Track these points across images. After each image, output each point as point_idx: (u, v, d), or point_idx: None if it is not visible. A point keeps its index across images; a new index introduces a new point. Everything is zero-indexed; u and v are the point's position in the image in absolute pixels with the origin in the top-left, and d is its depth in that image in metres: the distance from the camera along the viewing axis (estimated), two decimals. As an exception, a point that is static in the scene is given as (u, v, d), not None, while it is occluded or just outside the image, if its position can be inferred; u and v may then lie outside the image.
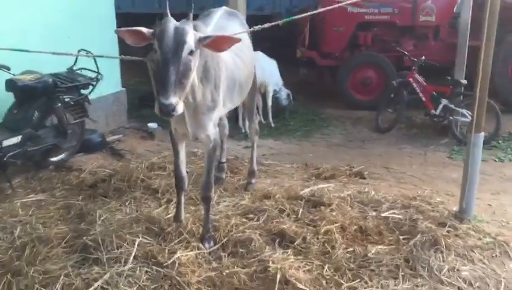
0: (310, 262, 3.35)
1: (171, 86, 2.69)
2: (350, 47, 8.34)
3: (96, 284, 3.04)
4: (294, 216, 3.98)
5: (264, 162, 5.71)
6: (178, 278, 3.10)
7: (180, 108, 2.76)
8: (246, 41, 3.98)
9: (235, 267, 3.25)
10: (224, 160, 4.88)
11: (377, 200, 4.35)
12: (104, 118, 6.41)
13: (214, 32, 3.54)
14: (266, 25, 3.47)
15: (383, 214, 4.05)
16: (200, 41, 2.86)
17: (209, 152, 3.51)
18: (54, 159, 5.11)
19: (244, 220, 3.89)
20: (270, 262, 3.20)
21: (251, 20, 8.97)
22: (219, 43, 2.93)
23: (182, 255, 3.32)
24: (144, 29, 2.87)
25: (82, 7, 5.83)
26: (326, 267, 3.30)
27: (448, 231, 3.79)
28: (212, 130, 3.41)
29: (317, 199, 4.25)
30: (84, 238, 3.48)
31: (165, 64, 2.72)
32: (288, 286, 3.07)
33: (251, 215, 3.99)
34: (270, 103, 7.37)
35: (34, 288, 3.04)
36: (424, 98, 6.89)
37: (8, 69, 4.30)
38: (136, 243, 3.37)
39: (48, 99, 4.76)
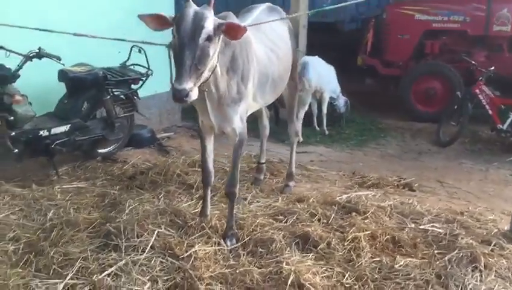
0: (330, 268, 3.17)
1: (186, 71, 2.64)
2: (415, 56, 7.97)
3: (110, 270, 3.05)
4: (325, 221, 3.80)
5: (310, 167, 5.57)
6: (191, 272, 3.03)
7: (194, 94, 2.70)
8: (284, 37, 3.88)
9: (251, 266, 3.14)
10: (263, 161, 4.79)
11: (418, 212, 4.07)
12: (157, 115, 6.54)
13: (250, 27, 3.51)
14: (293, 15, 3.34)
15: (422, 227, 3.77)
16: (219, 27, 2.80)
17: (235, 147, 3.43)
18: (101, 150, 5.25)
19: (271, 221, 3.77)
20: (285, 263, 3.06)
21: (314, 27, 8.97)
22: (232, 30, 2.85)
23: (200, 250, 3.25)
24: (165, 14, 2.86)
25: (143, 5, 5.99)
26: (347, 275, 3.10)
27: (492, 250, 3.45)
28: (238, 124, 3.33)
29: (353, 205, 4.04)
30: (108, 225, 3.51)
31: (182, 49, 2.68)
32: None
33: (280, 217, 3.86)
34: (325, 110, 7.19)
35: (51, 268, 3.10)
36: (490, 112, 6.43)
37: (59, 59, 4.47)
38: (155, 234, 3.35)
39: (98, 91, 4.91)
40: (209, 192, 3.76)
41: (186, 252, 3.22)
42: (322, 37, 9.15)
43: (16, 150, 4.34)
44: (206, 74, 2.86)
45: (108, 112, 5.05)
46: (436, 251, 3.40)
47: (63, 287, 2.92)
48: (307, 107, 6.83)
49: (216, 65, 2.98)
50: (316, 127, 7.32)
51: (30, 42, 4.38)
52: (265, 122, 4.67)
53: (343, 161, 6.16)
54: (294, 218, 3.80)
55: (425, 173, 5.65)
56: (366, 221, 3.73)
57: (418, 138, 7.11)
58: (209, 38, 2.74)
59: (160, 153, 5.62)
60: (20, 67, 4.28)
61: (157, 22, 2.88)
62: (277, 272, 3.04)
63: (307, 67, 6.58)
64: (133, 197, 4.15)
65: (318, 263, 3.23)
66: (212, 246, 3.37)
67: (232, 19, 3.20)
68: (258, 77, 3.46)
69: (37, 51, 4.34)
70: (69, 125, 4.73)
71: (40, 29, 3.62)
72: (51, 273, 3.07)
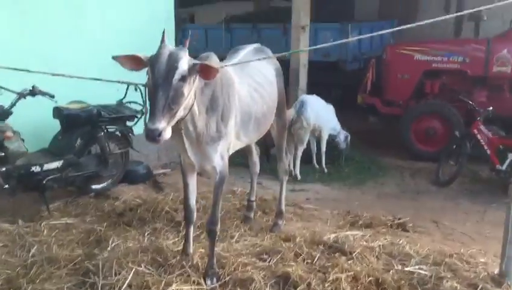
0: (307, 311, 3.10)
1: (159, 111, 2.68)
2: (416, 95, 7.99)
3: (86, 310, 3.03)
4: (309, 261, 3.74)
5: (303, 206, 5.54)
6: (165, 312, 3.00)
7: (167, 134, 2.73)
8: (269, 77, 3.92)
9: (227, 307, 3.09)
10: (253, 198, 4.77)
11: (407, 254, 3.98)
12: (155, 151, 6.57)
13: (234, 67, 3.57)
14: (272, 55, 3.41)
15: (408, 269, 3.68)
16: (194, 67, 2.84)
17: (215, 185, 3.43)
18: (95, 186, 5.28)
19: (254, 260, 3.72)
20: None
21: (317, 66, 9.08)
22: (205, 71, 2.89)
23: (177, 289, 3.21)
24: (140, 55, 2.91)
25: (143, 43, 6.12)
26: (325, 319, 3.03)
27: (478, 294, 3.36)
28: (218, 162, 3.34)
29: (339, 245, 3.98)
30: (87, 262, 3.49)
31: (155, 89, 2.72)
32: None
33: (265, 256, 3.80)
34: (323, 148, 7.18)
35: (27, 306, 3.09)
36: (489, 152, 6.36)
37: (52, 97, 4.57)
38: (132, 272, 3.32)
39: (92, 128, 4.98)
40: (191, 230, 3.74)
41: (163, 291, 3.19)
42: (325, 76, 9.25)
43: (6, 186, 4.39)
44: (181, 112, 2.88)
45: (102, 148, 5.10)
46: (420, 294, 3.32)
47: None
48: (305, 145, 6.84)
49: (193, 104, 3.01)
50: (315, 164, 7.30)
51: (27, 80, 4.48)
52: (255, 159, 4.68)
53: (339, 199, 6.12)
54: (278, 257, 3.74)
55: (421, 213, 5.58)
56: (349, 262, 3.66)
57: (418, 177, 7.04)
58: (183, 79, 2.78)
59: (154, 190, 5.64)
60: (13, 104, 4.38)
61: (133, 62, 2.92)
62: (251, 314, 2.98)
63: (305, 106, 6.62)
64: (119, 234, 4.16)
65: (296, 304, 3.17)
66: (190, 285, 3.33)
67: (213, 59, 3.25)
68: (240, 116, 3.49)
69: (31, 88, 4.44)
70: (61, 161, 4.79)
71: (18, 69, 3.69)
72: (25, 313, 3.06)
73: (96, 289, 3.23)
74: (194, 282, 3.37)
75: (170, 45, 2.86)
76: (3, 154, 4.32)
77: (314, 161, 7.33)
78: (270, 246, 4.01)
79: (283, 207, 4.65)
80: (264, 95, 3.74)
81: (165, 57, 2.76)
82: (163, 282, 3.28)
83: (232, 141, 3.46)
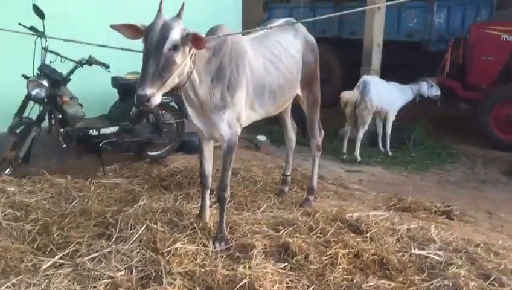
0: (297, 279, 3.13)
1: (148, 78, 2.84)
2: (501, 79, 7.36)
3: (94, 255, 3.33)
4: (321, 235, 3.73)
5: (349, 185, 5.46)
6: (162, 265, 3.20)
7: (156, 100, 2.88)
8: (291, 50, 3.91)
9: (219, 267, 3.21)
10: (288, 173, 4.81)
11: (429, 239, 3.81)
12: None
13: (251, 39, 3.65)
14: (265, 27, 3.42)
15: (419, 252, 3.54)
16: (187, 37, 2.96)
17: (223, 152, 3.55)
18: (151, 153, 5.66)
19: (266, 229, 3.79)
20: (241, 267, 3.09)
21: (400, 46, 8.69)
22: (197, 40, 2.98)
23: (181, 247, 3.41)
24: (137, 24, 3.08)
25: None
26: (311, 289, 3.05)
27: (491, 284, 3.14)
28: (226, 130, 3.45)
29: (358, 224, 3.91)
30: (109, 216, 3.83)
31: (147, 57, 2.89)
32: (255, 295, 2.93)
33: (279, 227, 3.86)
34: (389, 130, 6.96)
35: (49, 247, 3.48)
36: None
37: (107, 67, 4.95)
38: (143, 227, 3.57)
39: (146, 98, 5.32)
40: (207, 195, 3.90)
41: (168, 247, 3.40)
42: (406, 57, 8.85)
43: (64, 145, 4.89)
44: (175, 80, 3.03)
45: (156, 117, 5.44)
46: (421, 277, 3.19)
47: (51, 265, 3.26)
48: (366, 127, 6.69)
49: (191, 72, 3.15)
50: (381, 147, 7.11)
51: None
52: (290, 135, 4.70)
53: (394, 183, 5.94)
54: (290, 229, 3.79)
55: (478, 203, 5.27)
56: (358, 239, 3.60)
57: (490, 166, 6.57)
58: (174, 48, 2.92)
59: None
60: (71, 72, 4.83)
61: (131, 31, 3.08)
62: (235, 276, 3.08)
63: (368, 87, 6.46)
64: (153, 195, 4.46)
65: (287, 273, 3.21)
66: (197, 245, 3.51)
67: (223, 30, 3.36)
68: (253, 87, 3.56)
69: (87, 58, 4.86)
70: (117, 127, 5.20)
71: (75, 41, 4.08)
72: (47, 252, 3.45)
73: (111, 239, 3.53)
74: (200, 243, 3.54)
75: (166, 15, 3.01)
76: (61, 116, 4.79)
77: (380, 144, 7.14)
78: (289, 218, 4.05)
79: (315, 183, 4.64)
80: (280, 68, 3.76)
81: (158, 27, 2.92)
82: (171, 240, 3.49)
83: (243, 111, 3.54)
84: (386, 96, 6.66)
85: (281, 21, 4.11)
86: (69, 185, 4.55)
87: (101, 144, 5.10)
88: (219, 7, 6.67)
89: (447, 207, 4.83)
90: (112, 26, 3.06)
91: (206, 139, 3.73)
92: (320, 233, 3.76)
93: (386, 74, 7.44)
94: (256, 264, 3.21)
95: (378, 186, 5.68)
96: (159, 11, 3.00)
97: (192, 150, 6.05)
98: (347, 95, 6.50)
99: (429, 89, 6.90)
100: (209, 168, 3.83)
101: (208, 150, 3.79)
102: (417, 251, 3.59)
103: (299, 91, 4.19)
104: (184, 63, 3.02)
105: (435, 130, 7.70)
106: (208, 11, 6.32)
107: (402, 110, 7.12)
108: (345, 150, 6.70)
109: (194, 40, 2.97)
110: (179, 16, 2.99)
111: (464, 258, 3.48)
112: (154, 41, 2.90)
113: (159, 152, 5.72)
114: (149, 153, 5.65)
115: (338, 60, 9.69)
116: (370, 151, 7.14)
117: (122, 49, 3.93)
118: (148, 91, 2.84)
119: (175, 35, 2.91)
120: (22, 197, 4.18)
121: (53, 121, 4.86)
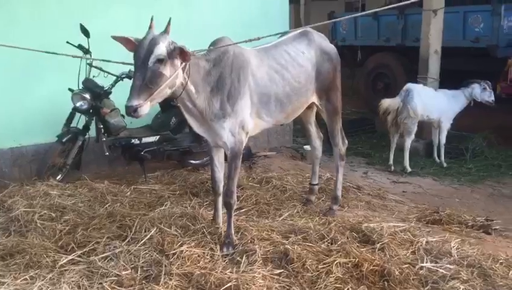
0: (288, 286, 3.14)
1: (135, 90, 3.04)
2: None
3: (106, 254, 3.57)
4: (331, 244, 3.70)
5: (385, 196, 5.32)
6: (165, 267, 3.36)
7: (143, 110, 3.05)
8: (299, 59, 3.92)
9: (216, 271, 3.30)
10: (315, 182, 4.80)
11: (446, 252, 3.63)
12: (265, 135, 6.95)
13: (258, 50, 3.75)
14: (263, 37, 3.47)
15: (431, 265, 3.38)
16: (174, 51, 3.12)
17: (228, 160, 3.66)
18: (193, 161, 5.90)
19: (276, 236, 3.82)
20: (228, 271, 3.16)
21: (466, 52, 8.29)
22: (182, 54, 3.13)
23: (187, 250, 3.55)
24: (132, 38, 3.27)
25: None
26: (300, 297, 3.05)
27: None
28: (229, 138, 3.56)
29: (371, 235, 3.82)
30: (128, 219, 4.07)
31: (135, 71, 3.10)
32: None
33: (290, 235, 3.87)
34: (443, 140, 6.65)
35: (70, 245, 3.77)
36: None
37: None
38: (154, 230, 3.76)
39: (186, 108, 5.57)
40: (219, 200, 4.02)
41: (174, 250, 3.55)
42: (470, 64, 8.42)
43: (107, 153, 5.26)
44: (166, 91, 3.20)
45: (196, 127, 5.66)
46: (418, 291, 3.06)
47: (68, 262, 3.55)
48: (413, 136, 6.45)
49: (186, 83, 3.29)
50: (436, 158, 6.83)
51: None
52: (316, 144, 4.70)
53: (439, 195, 5.68)
54: (300, 237, 3.79)
55: (526, 219, 4.87)
56: (362, 249, 3.52)
57: (557, 181, 6.04)
58: (159, 61, 3.08)
59: (245, 169, 6.00)
60: (112, 85, 5.20)
61: (128, 44, 3.28)
62: (223, 279, 3.15)
63: (411, 95, 6.24)
64: (179, 201, 4.66)
65: (281, 279, 3.23)
66: (204, 249, 3.63)
67: (223, 41, 3.49)
68: (257, 96, 3.64)
69: (127, 72, 5.19)
70: (158, 137, 5.50)
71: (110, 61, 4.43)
72: (68, 250, 3.75)
73: (124, 240, 3.76)
74: (208, 247, 3.66)
75: (156, 31, 3.18)
76: (103, 127, 5.17)
77: (435, 154, 6.86)
78: (304, 227, 4.05)
79: (339, 193, 4.59)
80: (286, 77, 3.79)
81: (146, 42, 3.11)
82: (179, 243, 3.65)
83: (247, 120, 3.62)
84: (432, 104, 6.38)
85: (295, 32, 4.16)
86: (105, 189, 4.87)
87: (142, 152, 5.41)
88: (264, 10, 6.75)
89: (487, 221, 4.57)
90: (113, 37, 3.29)
91: (215, 148, 3.86)
92: (330, 242, 3.73)
93: (449, 81, 7.15)
94: (250, 269, 3.26)
95: (421, 198, 5.48)
96: (150, 27, 3.20)
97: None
98: (387, 103, 6.32)
99: (482, 92, 6.49)
100: (219, 174, 3.95)
101: (218, 157, 3.91)
102: (427, 264, 3.45)
103: (315, 100, 4.20)
104: (175, 75, 3.17)
105: (500, 141, 7.24)
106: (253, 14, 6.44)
107: (463, 119, 6.79)
108: (391, 161, 6.50)
109: (180, 53, 3.13)
110: (166, 31, 3.16)
111: (475, 273, 3.28)
112: (141, 56, 3.09)
113: (201, 161, 5.93)
114: (191, 161, 5.88)
115: (402, 68, 9.44)
116: (424, 161, 6.89)
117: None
118: (135, 102, 3.03)
119: (160, 49, 3.08)
120: (61, 200, 4.55)
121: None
